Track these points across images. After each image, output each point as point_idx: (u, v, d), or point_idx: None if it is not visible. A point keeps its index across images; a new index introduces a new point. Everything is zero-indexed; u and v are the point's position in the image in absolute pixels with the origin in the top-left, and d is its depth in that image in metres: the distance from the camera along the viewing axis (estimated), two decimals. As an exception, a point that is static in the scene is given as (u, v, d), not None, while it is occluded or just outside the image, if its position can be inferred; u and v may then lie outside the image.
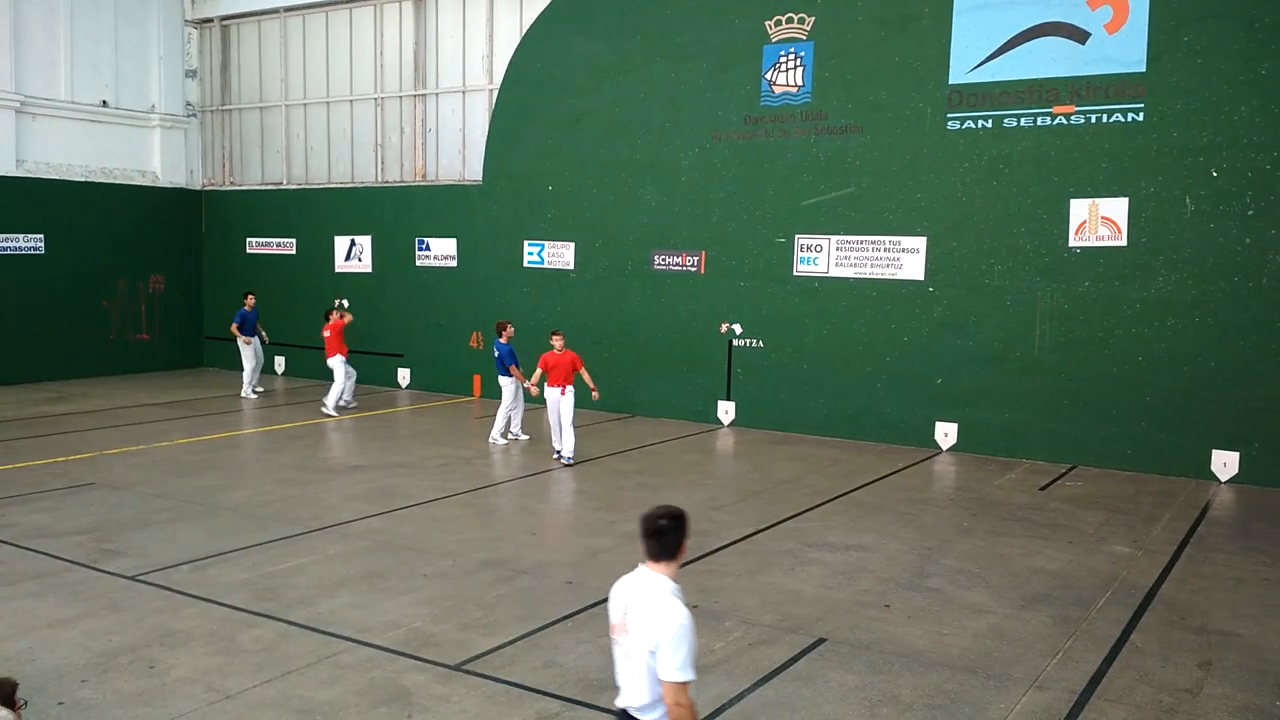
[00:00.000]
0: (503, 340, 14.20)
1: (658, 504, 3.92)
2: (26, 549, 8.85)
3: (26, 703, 3.66)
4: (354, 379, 17.15)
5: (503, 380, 14.30)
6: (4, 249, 19.03)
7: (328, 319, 16.98)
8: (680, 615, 3.63)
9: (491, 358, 14.78)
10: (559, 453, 13.12)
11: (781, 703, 6.09)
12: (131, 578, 8.13)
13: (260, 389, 18.70)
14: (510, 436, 14.56)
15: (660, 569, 3.77)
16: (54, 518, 9.90)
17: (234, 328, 18.26)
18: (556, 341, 13.31)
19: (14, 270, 19.15)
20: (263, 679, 6.24)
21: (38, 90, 19.50)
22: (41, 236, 19.56)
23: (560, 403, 13.06)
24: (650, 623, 3.65)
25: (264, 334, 18.72)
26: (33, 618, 7.22)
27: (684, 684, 3.60)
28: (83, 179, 20.25)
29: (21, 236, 19.28)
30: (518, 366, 14.14)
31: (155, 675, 6.27)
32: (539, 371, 13.35)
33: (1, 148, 18.94)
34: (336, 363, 16.66)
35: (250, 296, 18.57)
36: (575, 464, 12.87)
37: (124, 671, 6.32)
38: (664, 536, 3.76)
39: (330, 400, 16.54)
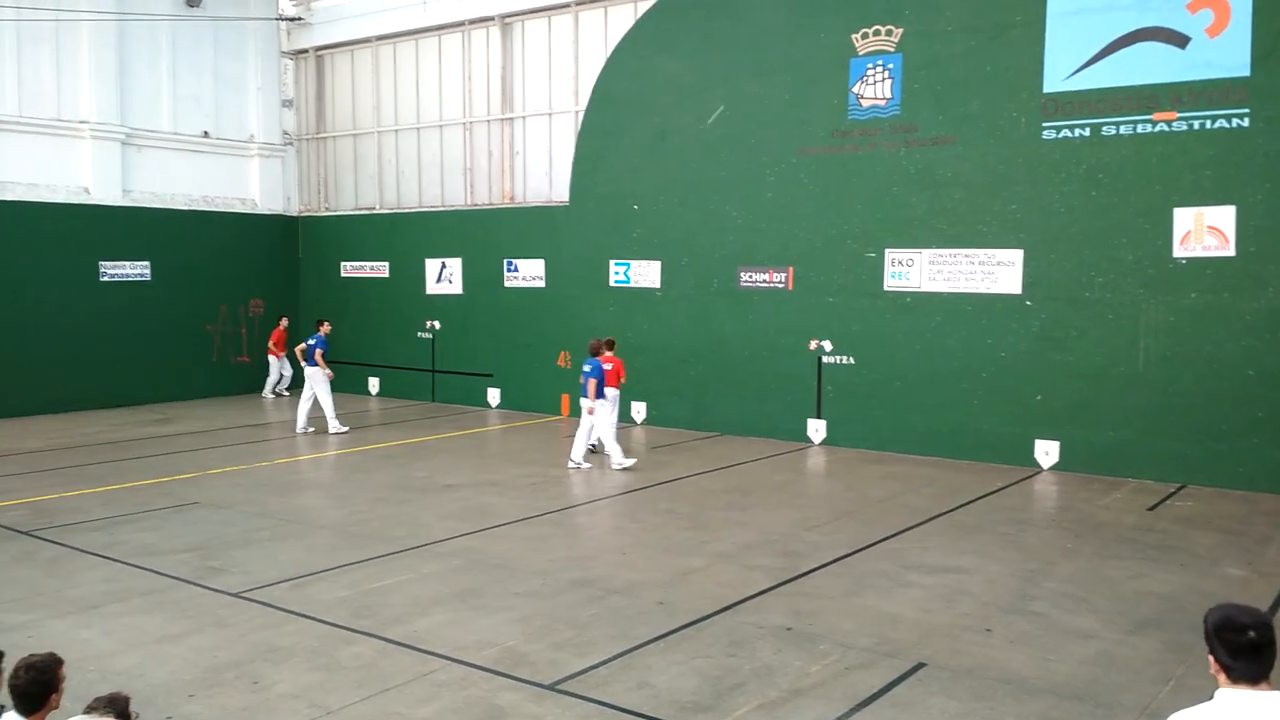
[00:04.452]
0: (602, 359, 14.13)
1: (1223, 604, 3.29)
2: (135, 566, 9.13)
3: (138, 715, 3.75)
4: (284, 378, 21.43)
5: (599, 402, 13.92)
6: (112, 276, 19.80)
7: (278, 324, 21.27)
8: None
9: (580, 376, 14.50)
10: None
11: (881, 728, 5.94)
12: (235, 595, 8.33)
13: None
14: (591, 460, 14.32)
15: (1266, 687, 3.10)
16: (161, 536, 10.20)
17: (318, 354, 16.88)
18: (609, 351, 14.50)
19: (121, 296, 19.89)
20: (362, 695, 6.31)
21: (142, 122, 20.29)
22: (147, 263, 20.29)
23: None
24: None
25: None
26: (142, 633, 7.43)
27: None
28: (186, 207, 20.98)
29: (128, 264, 20.04)
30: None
31: (259, 691, 6.39)
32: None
33: (109, 178, 19.75)
34: (272, 361, 21.28)
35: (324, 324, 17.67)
36: (668, 482, 12.85)
37: (229, 687, 6.45)
38: (1274, 646, 3.13)
39: (266, 388, 21.40)
